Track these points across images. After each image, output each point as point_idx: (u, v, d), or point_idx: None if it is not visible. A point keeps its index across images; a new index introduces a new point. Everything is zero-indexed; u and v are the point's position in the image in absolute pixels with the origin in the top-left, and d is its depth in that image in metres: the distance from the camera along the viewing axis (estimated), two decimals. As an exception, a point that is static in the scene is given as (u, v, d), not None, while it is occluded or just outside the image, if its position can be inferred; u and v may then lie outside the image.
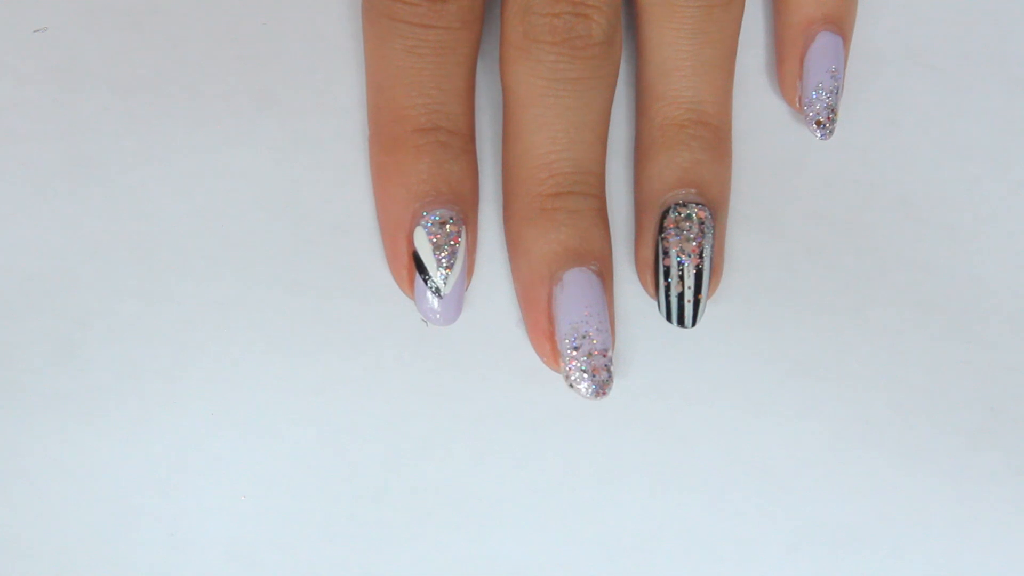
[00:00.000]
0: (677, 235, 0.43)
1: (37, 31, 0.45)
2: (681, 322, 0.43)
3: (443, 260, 0.42)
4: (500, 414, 0.43)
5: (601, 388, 0.42)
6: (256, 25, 0.46)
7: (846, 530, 0.43)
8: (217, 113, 0.45)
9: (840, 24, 0.46)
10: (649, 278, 0.44)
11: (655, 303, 0.44)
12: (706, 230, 0.43)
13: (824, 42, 0.45)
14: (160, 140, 0.44)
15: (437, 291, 0.42)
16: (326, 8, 0.46)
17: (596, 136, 0.43)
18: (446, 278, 0.42)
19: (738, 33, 0.45)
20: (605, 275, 0.43)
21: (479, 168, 0.45)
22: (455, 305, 0.42)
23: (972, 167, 0.46)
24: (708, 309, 0.44)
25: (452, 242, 0.42)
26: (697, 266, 0.43)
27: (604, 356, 0.42)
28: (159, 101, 0.45)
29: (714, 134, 0.44)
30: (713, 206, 0.43)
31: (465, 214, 0.43)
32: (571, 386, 0.42)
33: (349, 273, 0.44)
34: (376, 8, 0.43)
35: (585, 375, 0.42)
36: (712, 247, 0.43)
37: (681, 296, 0.43)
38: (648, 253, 0.44)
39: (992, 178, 0.46)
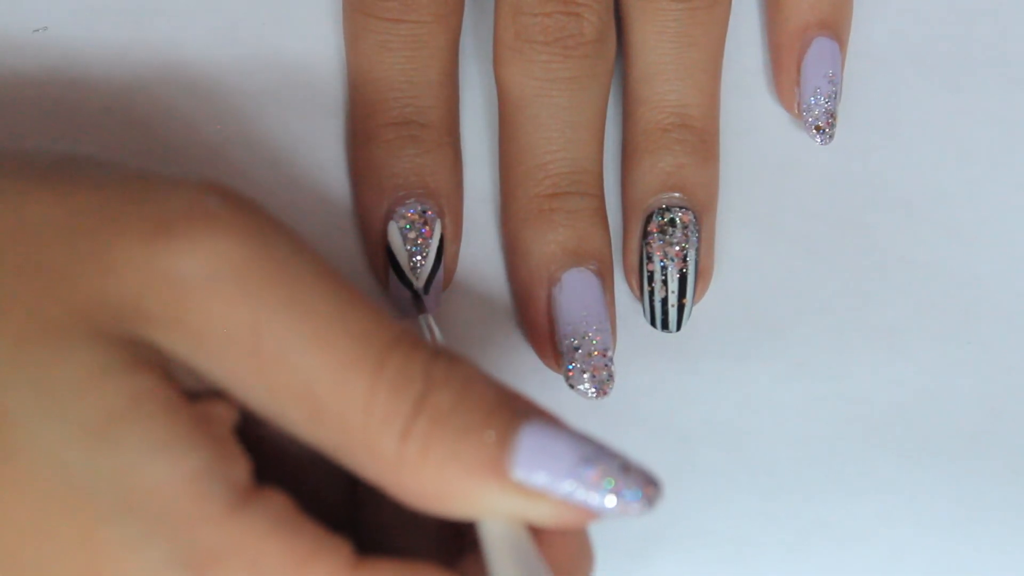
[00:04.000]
0: (660, 240, 0.43)
1: (37, 31, 0.45)
2: (665, 326, 0.43)
3: (414, 255, 0.42)
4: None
5: (602, 388, 0.42)
6: (256, 25, 0.46)
7: (846, 530, 0.43)
8: (217, 113, 0.45)
9: (835, 28, 0.45)
10: (635, 283, 0.44)
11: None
12: (690, 234, 0.43)
13: (820, 47, 0.45)
14: (160, 140, 0.44)
15: (410, 285, 0.42)
16: (326, 8, 0.46)
17: (591, 134, 0.43)
18: (417, 273, 0.42)
19: (724, 34, 0.44)
20: (605, 274, 0.43)
21: (485, 165, 0.45)
22: (432, 299, 0.42)
23: (972, 167, 0.46)
24: (708, 309, 0.44)
25: (424, 237, 0.42)
26: (681, 270, 0.43)
27: (604, 356, 0.42)
28: (159, 101, 0.45)
29: (699, 137, 0.44)
30: (698, 209, 0.43)
31: (440, 207, 0.43)
32: (572, 387, 0.42)
33: (348, 272, 0.44)
34: (351, 4, 0.43)
35: (586, 375, 0.42)
36: (697, 251, 0.43)
37: (665, 301, 0.43)
38: (633, 258, 0.44)
39: (992, 178, 0.46)
